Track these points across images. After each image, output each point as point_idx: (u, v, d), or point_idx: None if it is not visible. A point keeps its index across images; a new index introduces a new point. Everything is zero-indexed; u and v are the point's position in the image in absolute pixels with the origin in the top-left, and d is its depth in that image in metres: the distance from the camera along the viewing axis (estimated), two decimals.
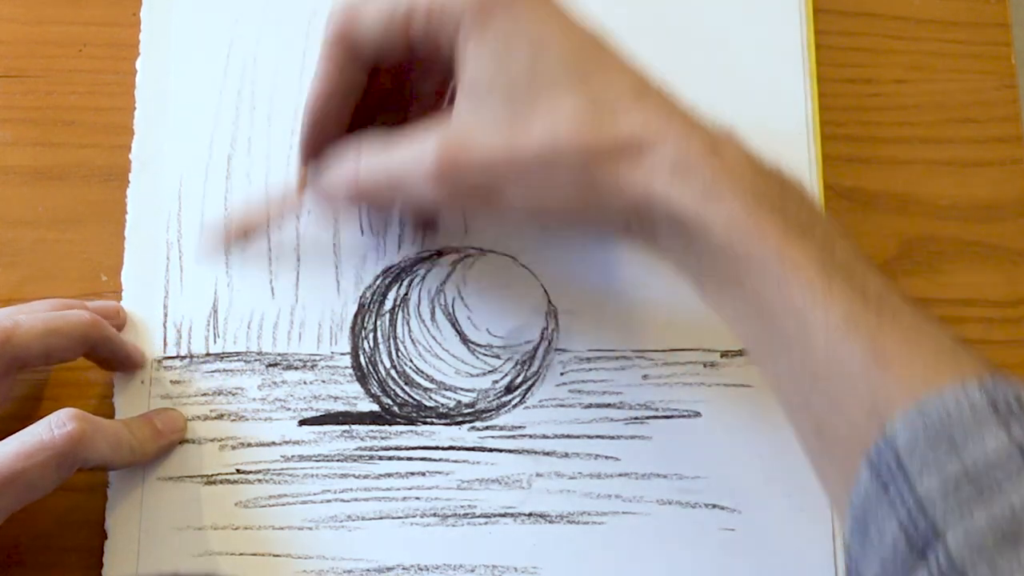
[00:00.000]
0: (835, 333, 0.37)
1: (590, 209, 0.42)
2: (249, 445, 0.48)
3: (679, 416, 0.49)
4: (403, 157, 0.43)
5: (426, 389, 0.50)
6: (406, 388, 0.50)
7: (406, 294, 0.51)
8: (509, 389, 0.50)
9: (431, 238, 0.51)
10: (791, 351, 0.39)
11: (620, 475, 0.49)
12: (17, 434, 0.42)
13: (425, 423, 0.49)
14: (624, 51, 0.43)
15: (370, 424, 0.49)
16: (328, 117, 0.46)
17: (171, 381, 0.49)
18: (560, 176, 0.41)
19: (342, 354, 0.50)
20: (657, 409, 0.50)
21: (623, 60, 0.43)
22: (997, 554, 0.32)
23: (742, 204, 0.39)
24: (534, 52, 0.41)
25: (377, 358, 0.50)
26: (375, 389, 0.49)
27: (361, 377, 0.50)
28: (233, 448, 0.48)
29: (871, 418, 0.36)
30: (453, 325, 0.50)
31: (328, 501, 0.48)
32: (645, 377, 0.50)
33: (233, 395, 0.49)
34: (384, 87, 0.47)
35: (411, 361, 0.50)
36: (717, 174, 0.39)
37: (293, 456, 0.48)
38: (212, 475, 0.48)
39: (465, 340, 0.50)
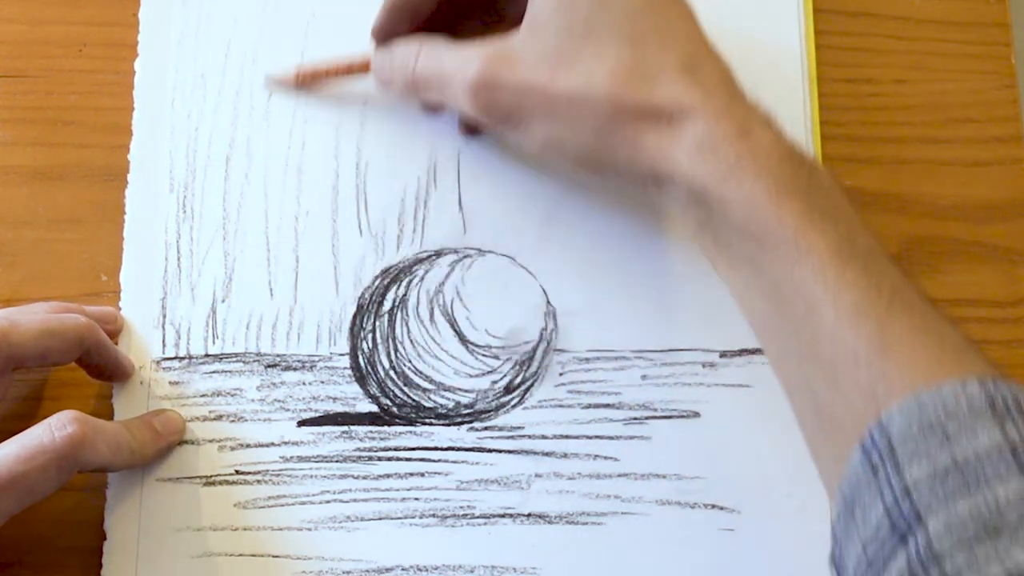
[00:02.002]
0: (844, 318, 0.38)
1: (605, 160, 0.44)
2: (248, 446, 0.48)
3: (678, 416, 0.49)
4: (453, 60, 0.45)
5: (425, 390, 0.50)
6: (405, 389, 0.50)
7: (405, 295, 0.50)
8: (508, 389, 0.50)
9: (476, 140, 0.52)
10: (799, 333, 0.39)
11: (619, 475, 0.49)
12: (17, 437, 0.42)
13: (424, 424, 0.49)
14: (693, 20, 0.44)
15: (369, 425, 0.49)
16: (407, 4, 0.48)
17: (170, 382, 0.49)
18: (585, 121, 0.43)
19: (341, 355, 0.50)
20: (656, 409, 0.50)
21: (687, 29, 0.44)
22: (975, 544, 0.33)
23: (763, 186, 0.40)
24: (601, 1, 0.43)
25: (376, 359, 0.50)
26: (374, 390, 0.49)
27: (360, 378, 0.50)
28: (232, 449, 0.48)
29: (869, 403, 0.36)
30: (452, 326, 0.50)
31: (327, 502, 0.48)
32: (644, 377, 0.50)
33: (232, 396, 0.49)
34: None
35: (410, 362, 0.50)
36: (742, 156, 0.40)
37: (292, 457, 0.48)
38: (211, 476, 0.48)
39: (464, 341, 0.50)
